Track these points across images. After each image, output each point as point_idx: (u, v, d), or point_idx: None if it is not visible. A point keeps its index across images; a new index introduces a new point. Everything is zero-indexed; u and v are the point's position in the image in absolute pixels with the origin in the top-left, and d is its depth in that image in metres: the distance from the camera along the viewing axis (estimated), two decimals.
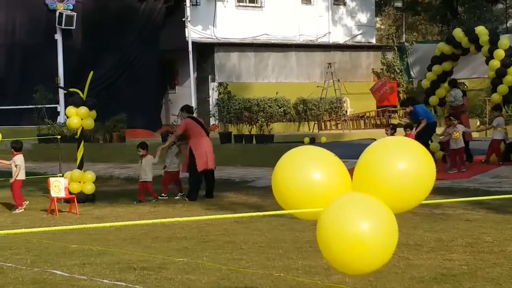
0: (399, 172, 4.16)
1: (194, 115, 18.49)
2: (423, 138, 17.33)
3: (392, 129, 18.48)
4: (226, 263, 9.20)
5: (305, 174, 4.27)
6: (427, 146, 16.75)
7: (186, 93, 35.60)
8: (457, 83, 21.04)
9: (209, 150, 15.92)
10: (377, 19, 46.40)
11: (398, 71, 40.61)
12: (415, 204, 4.39)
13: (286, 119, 36.34)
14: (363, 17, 41.14)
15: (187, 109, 16.94)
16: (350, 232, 4.02)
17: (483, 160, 19.22)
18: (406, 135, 17.59)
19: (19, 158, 14.99)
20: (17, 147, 15.21)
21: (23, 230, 4.50)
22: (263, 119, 27.03)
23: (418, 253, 9.45)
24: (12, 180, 14.82)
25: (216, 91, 35.47)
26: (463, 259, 9.12)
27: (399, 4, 45.25)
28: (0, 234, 4.32)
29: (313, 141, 24.34)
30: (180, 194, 16.08)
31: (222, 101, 34.67)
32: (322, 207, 4.19)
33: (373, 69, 40.48)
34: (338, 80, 36.73)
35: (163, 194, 16.03)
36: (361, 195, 4.19)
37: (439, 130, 19.88)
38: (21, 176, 14.89)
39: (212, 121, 33.23)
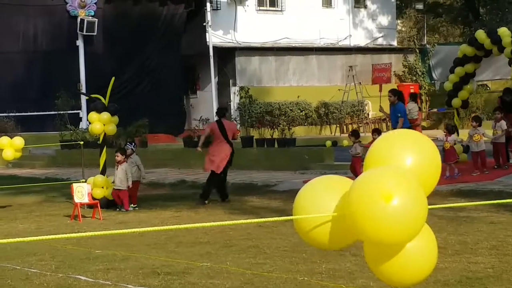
0: (406, 164, 4.24)
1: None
2: None
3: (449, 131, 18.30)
4: (250, 267, 9.19)
5: (325, 206, 4.35)
6: None
7: (207, 97, 35.67)
8: (416, 98, 21.04)
9: (222, 156, 15.86)
10: (398, 21, 46.21)
11: (420, 73, 40.45)
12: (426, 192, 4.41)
13: (307, 122, 36.29)
14: (384, 20, 41.02)
15: (218, 111, 17.14)
16: (378, 188, 4.06)
17: (495, 166, 18.96)
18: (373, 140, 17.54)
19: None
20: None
21: (48, 237, 4.51)
22: (285, 123, 26.99)
23: (443, 256, 9.38)
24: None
25: (237, 95, 35.48)
26: (488, 262, 9.04)
27: (420, 6, 45.07)
28: (25, 240, 4.33)
29: (334, 144, 24.28)
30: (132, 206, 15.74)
31: (243, 105, 34.68)
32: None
33: (394, 71, 40.33)
34: (360, 83, 36.70)
35: (132, 205, 15.73)
36: (382, 166, 4.26)
37: (462, 133, 19.76)
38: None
39: None
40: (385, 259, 4.28)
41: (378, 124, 36.70)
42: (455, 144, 17.99)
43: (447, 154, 17.18)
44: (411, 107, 20.04)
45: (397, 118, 17.91)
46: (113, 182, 15.50)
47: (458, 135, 20.19)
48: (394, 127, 18.04)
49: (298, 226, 4.44)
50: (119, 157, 15.42)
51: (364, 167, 4.41)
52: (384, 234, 4.10)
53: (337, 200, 4.36)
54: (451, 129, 18.31)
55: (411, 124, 19.05)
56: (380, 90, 32.81)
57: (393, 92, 18.54)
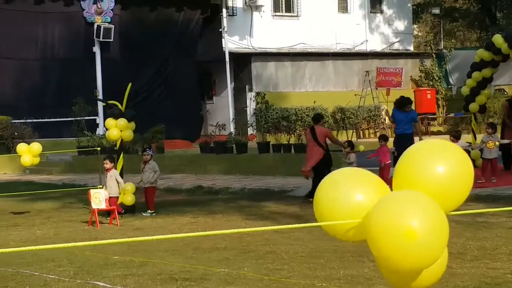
0: (438, 174, 4.19)
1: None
2: (398, 151, 17.47)
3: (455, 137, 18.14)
4: (268, 273, 9.18)
5: (347, 196, 4.30)
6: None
7: (223, 103, 35.72)
8: (403, 104, 20.95)
9: (316, 158, 16.66)
10: (415, 26, 46.15)
11: (436, 78, 40.36)
12: (456, 204, 4.36)
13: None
14: (400, 25, 40.95)
15: (312, 118, 18.41)
16: (400, 223, 4.02)
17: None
18: (380, 147, 17.45)
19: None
20: None
21: (68, 245, 4.52)
22: (301, 128, 26.96)
23: (462, 261, 9.34)
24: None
25: (253, 101, 35.51)
26: (508, 267, 8.99)
27: (436, 11, 44.96)
28: (43, 248, 4.34)
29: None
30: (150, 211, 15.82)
31: (259, 111, 34.68)
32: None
33: (411, 76, 40.26)
34: (376, 88, 36.63)
35: (149, 211, 15.75)
36: (409, 191, 4.20)
37: (479, 138, 19.62)
38: None
39: (250, 131, 33.22)
40: (390, 238, 4.24)
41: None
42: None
43: None
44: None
45: (409, 122, 18.04)
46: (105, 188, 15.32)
47: (475, 139, 20.12)
48: (402, 132, 18.07)
49: (319, 215, 4.41)
50: (108, 164, 15.30)
51: (394, 178, 4.37)
52: (405, 265, 4.13)
53: (360, 192, 4.31)
54: (457, 135, 18.17)
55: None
56: (388, 94, 32.72)
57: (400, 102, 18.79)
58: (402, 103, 18.83)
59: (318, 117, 17.89)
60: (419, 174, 4.22)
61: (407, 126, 18.34)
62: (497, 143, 17.86)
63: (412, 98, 38.41)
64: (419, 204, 4.11)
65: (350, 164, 16.84)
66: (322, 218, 4.37)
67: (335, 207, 4.30)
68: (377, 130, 35.89)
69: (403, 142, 17.75)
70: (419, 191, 4.16)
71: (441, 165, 4.22)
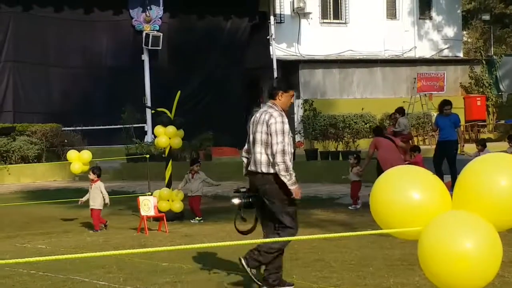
0: (501, 189, 4.05)
1: None
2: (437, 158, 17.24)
3: (482, 145, 17.92)
4: (317, 281, 9.12)
5: (404, 194, 4.20)
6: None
7: None
8: (405, 111, 20.61)
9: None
10: (464, 32, 45.70)
11: (486, 85, 39.88)
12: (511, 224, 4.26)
13: (372, 135, 35.99)
14: (449, 31, 40.59)
15: (374, 130, 18.73)
16: (453, 249, 3.92)
17: None
18: (413, 159, 17.10)
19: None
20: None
21: (117, 252, 4.53)
22: (349, 135, 26.84)
23: None
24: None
25: (301, 108, 35.44)
26: None
27: (486, 17, 44.48)
28: (93, 255, 4.36)
29: None
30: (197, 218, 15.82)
31: (307, 118, 34.58)
32: (421, 226, 4.11)
33: (460, 83, 39.86)
34: (425, 95, 36.32)
35: (197, 218, 15.78)
36: (463, 212, 4.09)
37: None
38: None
39: (298, 138, 33.16)
40: (443, 263, 4.15)
41: None
42: None
43: None
44: (405, 122, 19.70)
45: (452, 127, 17.77)
46: (80, 202, 15.27)
47: None
48: (446, 137, 17.79)
49: (374, 211, 4.35)
50: (92, 175, 15.10)
51: (455, 193, 4.28)
52: (459, 286, 4.05)
53: (416, 189, 4.23)
54: (484, 143, 17.83)
55: (405, 139, 18.87)
56: (431, 99, 32.42)
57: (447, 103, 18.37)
58: (440, 105, 18.57)
59: (379, 129, 18.20)
60: (480, 195, 4.10)
61: (450, 132, 18.02)
62: None
63: (462, 105, 38.26)
64: (473, 227, 4.01)
65: (355, 181, 16.68)
66: (378, 215, 4.30)
67: (392, 204, 4.23)
68: (425, 137, 35.56)
69: (447, 148, 17.58)
70: (475, 214, 4.06)
71: (503, 190, 4.10)
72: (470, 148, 19.69)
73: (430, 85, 37.19)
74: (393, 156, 16.54)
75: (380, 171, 16.28)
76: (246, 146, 9.06)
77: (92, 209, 14.91)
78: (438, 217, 4.12)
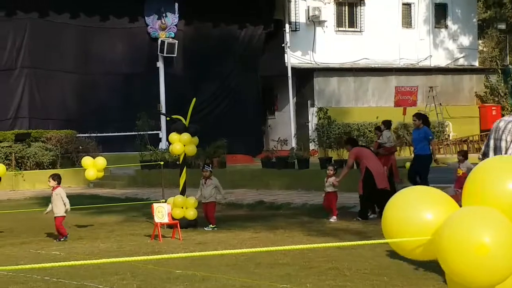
0: (510, 188, 4.10)
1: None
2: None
3: (463, 156, 17.40)
4: None
5: (416, 215, 4.23)
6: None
7: (285, 118, 35.72)
8: (391, 124, 20.48)
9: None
10: (480, 41, 45.59)
11: (502, 94, 39.74)
12: None
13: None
14: (465, 40, 40.50)
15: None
16: (472, 239, 3.93)
17: None
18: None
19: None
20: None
21: (131, 259, 4.53)
22: (364, 144, 26.79)
23: None
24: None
25: (315, 116, 35.42)
26: None
27: (502, 26, 44.37)
28: (107, 262, 4.36)
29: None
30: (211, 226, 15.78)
31: (321, 126, 34.55)
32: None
33: (476, 92, 39.76)
34: (440, 104, 36.25)
35: (211, 225, 15.74)
36: (480, 206, 4.12)
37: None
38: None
39: (312, 146, 33.15)
40: (462, 254, 4.15)
41: (459, 145, 36.13)
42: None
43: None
44: (389, 135, 19.61)
45: (421, 141, 17.58)
46: (47, 212, 14.87)
47: None
48: (420, 152, 17.63)
49: (387, 232, 4.35)
50: (52, 182, 14.81)
51: (464, 194, 4.28)
52: (477, 281, 4.03)
53: (429, 209, 4.25)
54: (465, 154, 17.55)
55: (387, 153, 18.69)
56: (404, 114, 32.27)
57: (417, 116, 18.24)
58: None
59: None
60: (491, 190, 4.14)
61: (420, 145, 17.84)
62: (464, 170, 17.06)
63: (477, 114, 38.15)
64: (490, 219, 4.03)
65: (331, 192, 16.52)
66: (391, 236, 4.31)
67: (404, 225, 4.24)
68: (440, 146, 35.45)
69: (417, 162, 17.57)
70: (490, 207, 4.08)
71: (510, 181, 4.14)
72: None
73: (404, 99, 36.96)
74: (379, 164, 16.71)
75: (370, 181, 16.22)
76: (483, 149, 9.11)
77: (55, 217, 14.56)
78: (457, 211, 4.16)
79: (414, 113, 19.21)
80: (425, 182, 16.99)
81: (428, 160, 17.63)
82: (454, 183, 15.98)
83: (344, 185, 17.65)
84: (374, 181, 16.29)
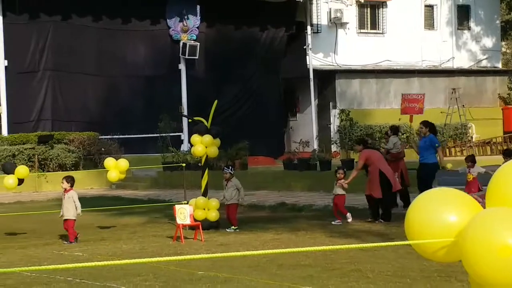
0: None
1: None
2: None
3: (471, 162, 17.27)
4: None
5: (440, 217, 4.21)
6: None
7: (307, 120, 35.69)
8: (398, 130, 20.28)
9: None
10: (503, 43, 45.31)
11: None
12: None
13: (409, 145, 35.77)
14: (488, 42, 40.28)
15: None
16: (496, 240, 3.91)
17: None
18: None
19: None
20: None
21: (153, 259, 4.54)
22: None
23: None
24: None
25: (337, 118, 35.37)
26: None
27: None
28: (130, 262, 4.37)
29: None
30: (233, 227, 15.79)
31: (343, 128, 34.52)
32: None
33: (499, 94, 39.53)
34: (463, 105, 36.08)
35: (233, 227, 15.73)
36: (504, 207, 4.09)
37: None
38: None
39: (334, 148, 33.11)
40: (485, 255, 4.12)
41: (482, 147, 35.92)
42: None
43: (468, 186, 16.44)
44: (395, 140, 19.49)
45: (428, 149, 17.46)
46: (61, 215, 14.73)
47: None
48: (426, 161, 17.46)
49: (410, 234, 4.33)
50: (65, 184, 14.80)
51: (487, 196, 4.26)
52: (501, 281, 4.00)
53: (453, 211, 4.23)
54: (473, 159, 17.40)
55: (393, 159, 18.51)
56: (411, 121, 32.12)
57: (424, 123, 18.07)
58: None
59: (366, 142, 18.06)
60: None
61: (424, 154, 17.58)
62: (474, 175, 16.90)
63: (500, 116, 37.92)
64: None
65: (339, 195, 16.46)
66: (414, 237, 4.30)
67: (428, 227, 4.22)
68: (463, 148, 35.28)
69: (421, 171, 17.46)
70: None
71: None
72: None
73: (411, 107, 36.69)
74: (388, 166, 16.72)
75: (386, 183, 16.17)
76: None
77: (66, 220, 14.53)
78: (480, 212, 4.14)
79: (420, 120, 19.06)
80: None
81: (434, 169, 17.51)
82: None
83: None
84: (389, 184, 16.24)
